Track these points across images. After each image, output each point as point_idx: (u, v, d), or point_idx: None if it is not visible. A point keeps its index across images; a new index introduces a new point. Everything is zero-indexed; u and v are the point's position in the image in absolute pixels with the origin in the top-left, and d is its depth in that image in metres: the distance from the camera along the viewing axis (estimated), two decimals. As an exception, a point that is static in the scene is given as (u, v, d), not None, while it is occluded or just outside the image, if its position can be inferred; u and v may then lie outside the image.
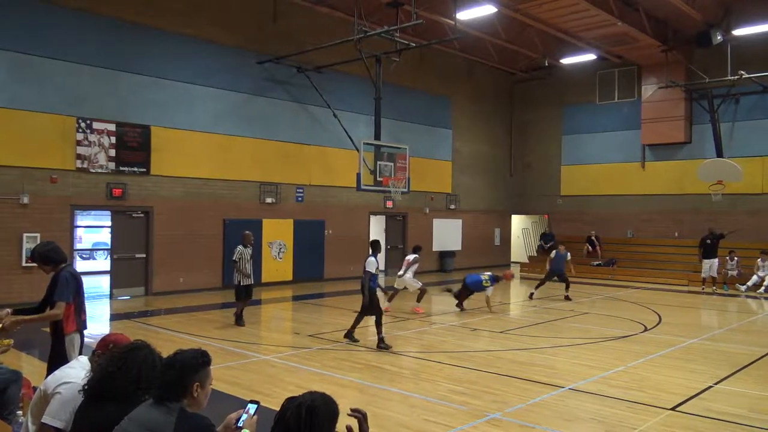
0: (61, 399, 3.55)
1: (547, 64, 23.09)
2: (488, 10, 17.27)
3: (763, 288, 18.06)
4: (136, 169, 15.28)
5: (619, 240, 23.57)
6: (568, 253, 16.71)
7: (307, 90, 18.59)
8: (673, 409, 6.83)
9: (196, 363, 3.05)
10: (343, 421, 2.69)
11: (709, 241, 18.58)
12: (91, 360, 3.80)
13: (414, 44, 16.51)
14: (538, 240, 26.31)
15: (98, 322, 12.20)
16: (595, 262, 22.86)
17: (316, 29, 18.41)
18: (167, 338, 10.35)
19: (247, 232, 12.26)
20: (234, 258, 11.79)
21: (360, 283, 10.48)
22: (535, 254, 26.06)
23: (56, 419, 3.50)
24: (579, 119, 25.52)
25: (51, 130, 13.92)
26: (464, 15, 17.42)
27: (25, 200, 13.53)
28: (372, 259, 10.36)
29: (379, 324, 10.07)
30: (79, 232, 21.97)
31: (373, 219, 21.80)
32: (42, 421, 3.55)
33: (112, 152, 14.82)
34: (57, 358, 5.22)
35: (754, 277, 18.39)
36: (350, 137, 18.04)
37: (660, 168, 23.33)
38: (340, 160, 19.49)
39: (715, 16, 19.33)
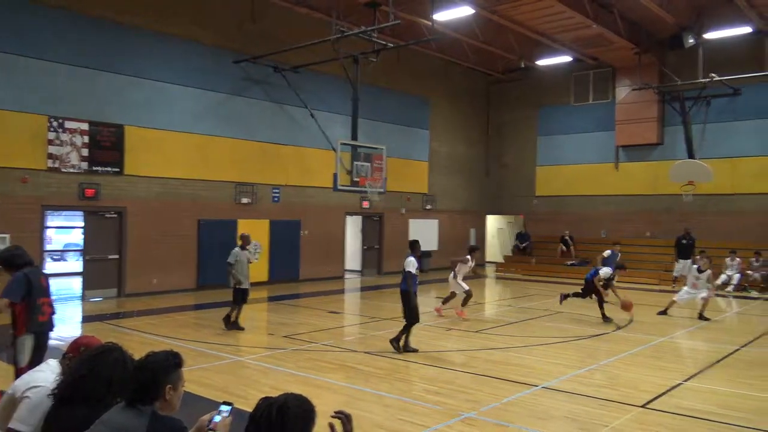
0: (29, 403, 3.49)
1: (523, 66, 23.28)
2: (465, 11, 17.36)
3: (731, 287, 18.46)
4: (109, 168, 15.06)
5: (593, 240, 23.85)
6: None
7: (284, 90, 18.50)
8: (643, 406, 6.96)
9: (168, 365, 3.02)
10: (325, 423, 2.69)
11: (684, 242, 18.87)
12: (61, 363, 3.75)
13: (391, 45, 16.53)
14: (514, 240, 26.54)
15: (69, 325, 11.99)
16: (569, 262, 23.10)
17: (294, 29, 18.32)
18: (140, 340, 10.23)
19: (245, 233, 11.99)
20: (229, 260, 11.46)
21: (399, 288, 9.92)
22: (511, 254, 26.34)
23: (24, 424, 3.43)
24: (554, 120, 25.78)
25: (22, 129, 13.65)
26: (441, 16, 17.51)
27: (-5, 200, 13.27)
28: (412, 259, 9.91)
29: (407, 328, 9.72)
30: (49, 233, 21.57)
31: (350, 219, 21.76)
32: (9, 426, 3.49)
33: (85, 152, 14.59)
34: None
35: (723, 276, 18.77)
36: (327, 137, 17.99)
37: (633, 169, 23.67)
38: (316, 161, 19.42)
39: (688, 20, 19.65)
